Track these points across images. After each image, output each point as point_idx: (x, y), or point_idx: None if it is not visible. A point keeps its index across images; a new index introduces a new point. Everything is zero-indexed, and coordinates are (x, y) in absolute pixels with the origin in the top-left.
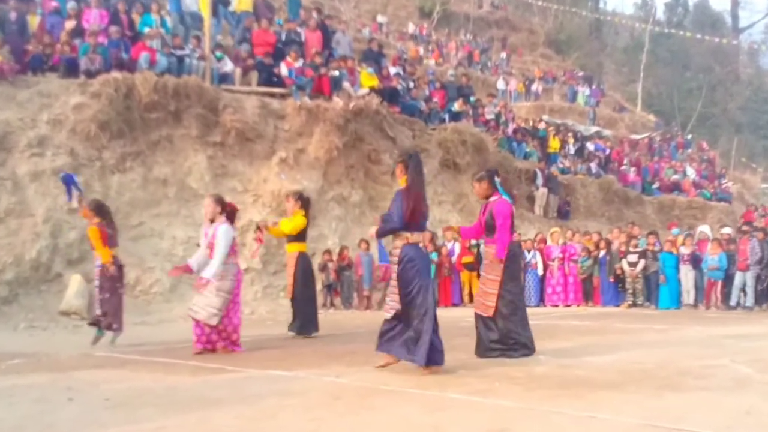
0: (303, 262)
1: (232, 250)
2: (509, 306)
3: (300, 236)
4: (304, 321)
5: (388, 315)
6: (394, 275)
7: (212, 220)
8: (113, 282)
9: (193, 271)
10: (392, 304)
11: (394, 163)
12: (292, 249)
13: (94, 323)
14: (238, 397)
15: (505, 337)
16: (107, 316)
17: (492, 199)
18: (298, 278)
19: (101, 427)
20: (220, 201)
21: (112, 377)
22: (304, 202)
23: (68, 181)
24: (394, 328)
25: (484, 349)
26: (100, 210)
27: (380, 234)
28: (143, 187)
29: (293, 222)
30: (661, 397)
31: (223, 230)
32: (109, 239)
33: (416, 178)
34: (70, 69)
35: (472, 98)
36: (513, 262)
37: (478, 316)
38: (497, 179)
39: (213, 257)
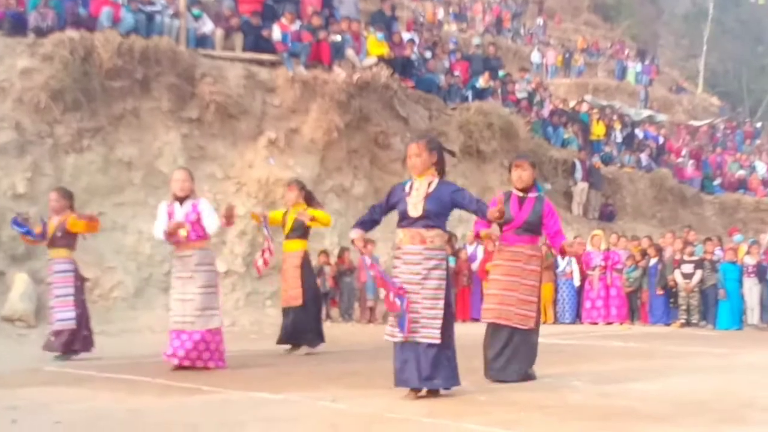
0: (309, 263)
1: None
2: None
3: (306, 232)
4: (315, 333)
5: (432, 338)
6: (432, 286)
7: (184, 198)
8: (83, 291)
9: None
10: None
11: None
12: (296, 247)
13: (69, 350)
14: (215, 424)
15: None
16: (80, 332)
17: (533, 195)
18: (308, 283)
19: None
20: (192, 176)
21: (66, 396)
22: (308, 194)
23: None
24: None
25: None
26: (72, 199)
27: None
28: (104, 171)
29: (320, 212)
30: None
31: (206, 201)
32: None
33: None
34: (17, 26)
35: (500, 72)
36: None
37: (504, 329)
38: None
39: (208, 219)
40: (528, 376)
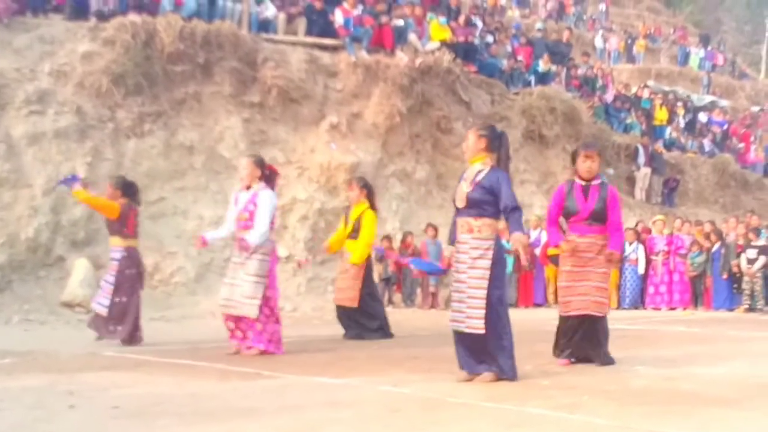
0: (371, 267)
1: (271, 224)
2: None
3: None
4: (382, 324)
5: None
6: (476, 275)
7: (249, 187)
8: (136, 281)
9: (206, 243)
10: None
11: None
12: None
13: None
14: (275, 408)
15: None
16: (125, 324)
17: (596, 182)
18: (367, 286)
19: None
20: (260, 163)
21: (124, 381)
22: (369, 190)
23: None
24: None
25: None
26: (128, 189)
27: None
28: (165, 155)
29: (367, 230)
30: None
31: (267, 195)
32: (137, 227)
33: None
34: (79, 10)
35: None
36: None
37: (583, 317)
38: None
39: (255, 221)
40: (606, 360)
